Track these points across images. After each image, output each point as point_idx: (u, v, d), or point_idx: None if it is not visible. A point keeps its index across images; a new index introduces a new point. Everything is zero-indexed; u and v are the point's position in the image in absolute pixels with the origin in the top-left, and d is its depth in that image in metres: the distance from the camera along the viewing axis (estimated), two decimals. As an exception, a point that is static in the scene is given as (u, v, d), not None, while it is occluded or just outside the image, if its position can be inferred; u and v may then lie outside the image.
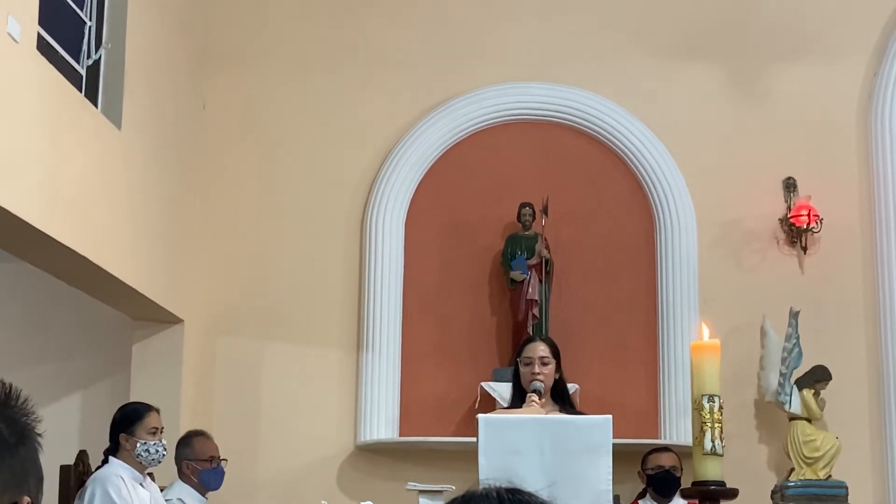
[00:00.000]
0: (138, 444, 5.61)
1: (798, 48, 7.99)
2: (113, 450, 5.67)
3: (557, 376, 5.56)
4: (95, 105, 6.51)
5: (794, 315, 7.36)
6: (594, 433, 5.03)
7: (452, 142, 8.01)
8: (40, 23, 5.68)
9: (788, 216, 7.77)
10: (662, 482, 6.91)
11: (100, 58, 6.68)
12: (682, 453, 6.83)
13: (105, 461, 5.68)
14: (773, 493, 7.28)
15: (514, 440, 5.00)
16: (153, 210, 7.06)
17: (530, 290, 7.57)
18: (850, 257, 7.79)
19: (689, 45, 8.03)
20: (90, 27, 6.66)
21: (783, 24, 8.01)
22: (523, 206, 7.75)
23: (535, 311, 7.55)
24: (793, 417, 7.35)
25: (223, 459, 6.40)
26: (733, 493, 5.21)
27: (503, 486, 1.69)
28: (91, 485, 5.54)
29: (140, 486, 5.63)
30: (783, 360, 7.35)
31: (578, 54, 8.04)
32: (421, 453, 7.54)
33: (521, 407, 5.42)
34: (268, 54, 8.09)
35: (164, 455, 5.72)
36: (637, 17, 8.06)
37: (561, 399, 5.57)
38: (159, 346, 7.57)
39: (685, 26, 8.05)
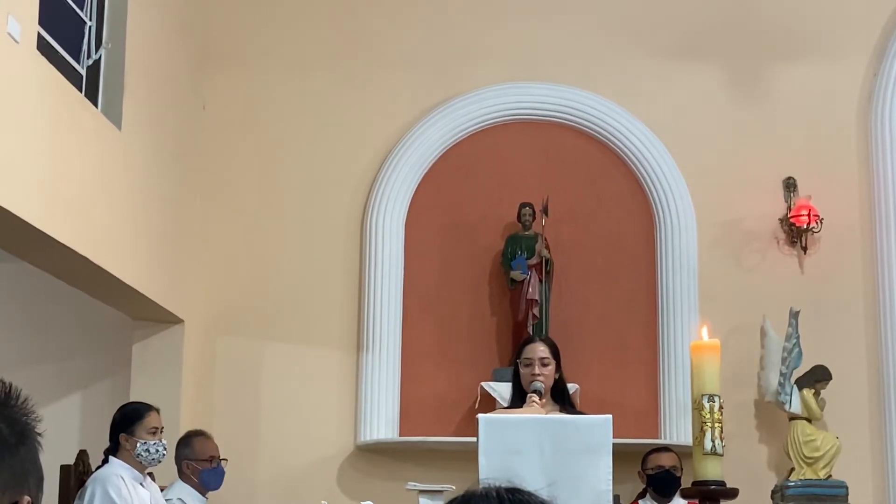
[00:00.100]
0: (138, 444, 5.61)
1: (798, 48, 7.99)
2: (113, 450, 5.68)
3: (557, 376, 5.56)
4: (95, 105, 6.51)
5: (794, 315, 7.36)
6: (594, 433, 5.03)
7: (452, 142, 8.01)
8: (40, 23, 5.68)
9: (788, 216, 7.77)
10: (662, 482, 6.91)
11: (100, 58, 6.68)
12: (682, 453, 6.83)
13: (105, 461, 5.68)
14: (773, 493, 7.28)
15: (514, 440, 5.00)
16: (153, 210, 7.06)
17: (530, 289, 7.57)
18: (850, 257, 7.78)
19: (689, 45, 8.03)
20: (90, 27, 6.66)
21: (783, 24, 8.01)
22: (523, 206, 7.75)
23: (535, 311, 7.55)
24: (793, 417, 7.35)
25: (223, 459, 6.40)
26: (733, 493, 5.21)
27: (503, 485, 1.69)
28: (91, 485, 5.55)
29: (140, 486, 5.63)
30: (783, 360, 7.35)
31: (578, 54, 8.04)
32: (421, 453, 7.54)
33: (521, 407, 5.42)
34: (268, 54, 8.09)
35: (164, 455, 5.73)
36: (637, 17, 8.06)
37: (561, 399, 5.58)
38: (159, 346, 7.57)
39: (685, 26, 8.05)
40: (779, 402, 7.34)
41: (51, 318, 8.12)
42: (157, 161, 7.17)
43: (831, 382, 7.42)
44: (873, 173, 7.80)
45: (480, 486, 1.70)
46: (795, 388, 7.35)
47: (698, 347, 5.26)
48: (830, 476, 7.27)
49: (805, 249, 7.77)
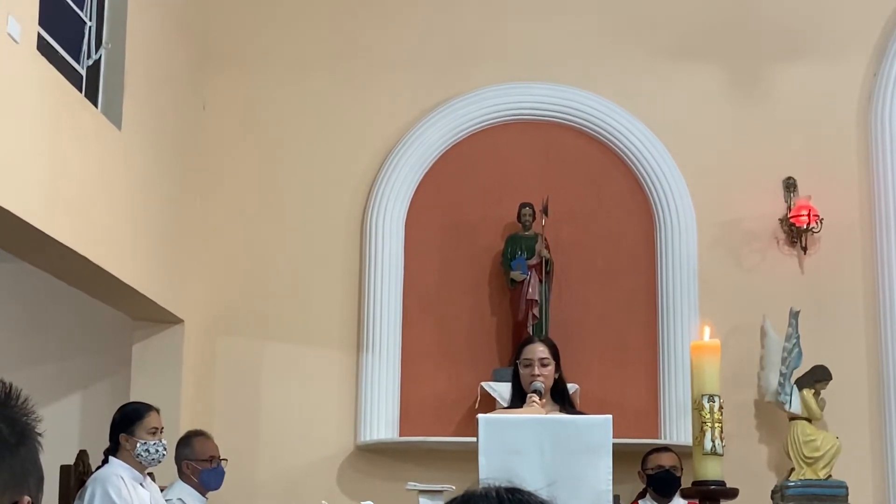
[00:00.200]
0: (138, 444, 5.61)
1: (798, 48, 7.99)
2: (113, 450, 5.67)
3: (557, 376, 5.56)
4: (95, 105, 6.51)
5: (794, 315, 7.36)
6: (594, 433, 5.03)
7: (452, 142, 8.01)
8: (40, 23, 5.68)
9: (788, 216, 7.77)
10: (662, 482, 6.91)
11: (100, 58, 6.68)
12: (682, 453, 6.83)
13: (105, 461, 5.68)
14: (773, 493, 7.28)
15: (514, 440, 5.00)
16: (153, 210, 7.06)
17: (530, 290, 7.57)
18: (850, 257, 7.78)
19: (689, 45, 8.03)
20: (90, 27, 6.66)
21: (783, 24, 8.01)
22: (523, 206, 7.75)
23: (535, 311, 7.55)
24: (793, 417, 7.35)
25: (223, 459, 6.40)
26: (733, 493, 5.22)
27: (503, 485, 1.69)
28: (91, 485, 5.55)
29: (140, 486, 5.63)
30: (783, 360, 7.35)
31: (578, 54, 8.04)
32: (421, 453, 7.54)
33: (520, 408, 5.42)
34: (268, 55, 8.09)
35: (164, 455, 5.72)
36: (637, 17, 8.06)
37: (561, 399, 5.58)
38: (159, 346, 7.57)
39: (685, 26, 8.05)
40: (779, 402, 7.34)
41: (51, 318, 8.12)
42: (157, 161, 7.17)
43: (831, 382, 7.42)
44: (873, 173, 7.80)
45: (480, 487, 1.70)
46: (795, 388, 7.35)
47: (698, 348, 5.26)
48: (830, 476, 7.27)
49: (805, 249, 7.77)
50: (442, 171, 7.98)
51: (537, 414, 5.24)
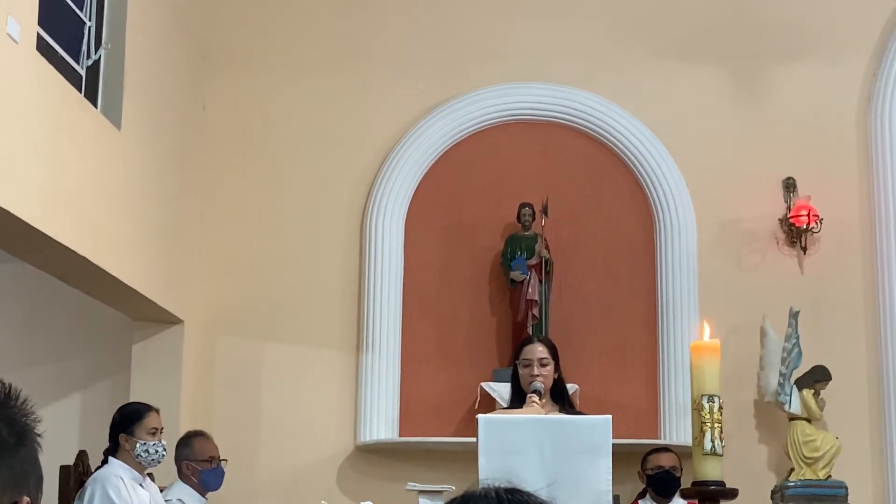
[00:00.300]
0: (138, 445, 5.61)
1: (798, 48, 7.99)
2: (112, 450, 5.67)
3: (556, 376, 5.56)
4: (95, 105, 6.51)
5: (794, 315, 7.36)
6: (594, 433, 5.03)
7: (452, 142, 8.01)
8: (40, 23, 5.68)
9: (788, 216, 7.77)
10: (662, 482, 6.91)
11: (99, 58, 6.68)
12: (682, 453, 6.82)
13: (105, 461, 5.68)
14: (773, 493, 7.28)
15: (513, 440, 5.00)
16: (153, 210, 7.06)
17: (530, 290, 7.57)
18: (850, 257, 7.78)
19: (689, 45, 8.03)
20: (90, 27, 6.66)
21: (783, 24, 8.01)
22: (523, 206, 7.75)
23: (535, 311, 7.55)
24: (793, 417, 7.35)
25: (223, 459, 6.40)
26: (733, 493, 5.21)
27: (502, 486, 1.69)
28: (91, 485, 5.54)
29: (140, 487, 5.63)
30: (783, 360, 7.35)
31: (578, 54, 8.04)
32: (421, 453, 7.54)
33: (520, 408, 5.42)
34: (268, 55, 8.08)
35: (163, 455, 5.72)
36: (637, 17, 8.06)
37: (560, 399, 5.58)
38: (159, 347, 7.57)
39: (685, 26, 8.05)
40: (778, 402, 7.34)
41: (51, 318, 8.12)
42: (157, 161, 7.17)
43: (831, 382, 7.42)
44: (873, 173, 7.80)
45: (480, 487, 1.70)
46: (795, 388, 7.35)
47: (698, 348, 5.26)
48: (830, 476, 7.26)
49: (805, 249, 7.77)
50: (442, 171, 7.98)
51: (537, 414, 5.24)
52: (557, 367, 5.56)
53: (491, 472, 4.78)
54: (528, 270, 7.60)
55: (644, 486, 7.05)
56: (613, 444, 5.04)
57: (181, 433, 6.56)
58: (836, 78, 7.93)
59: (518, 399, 5.53)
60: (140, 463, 5.64)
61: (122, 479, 5.53)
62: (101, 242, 6.22)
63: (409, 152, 7.93)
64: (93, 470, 5.82)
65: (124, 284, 6.61)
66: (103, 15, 6.72)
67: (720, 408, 5.11)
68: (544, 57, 8.04)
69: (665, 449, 7.10)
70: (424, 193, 7.96)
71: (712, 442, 5.04)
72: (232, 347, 7.83)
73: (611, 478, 4.96)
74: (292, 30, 8.10)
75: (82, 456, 6.15)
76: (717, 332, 5.60)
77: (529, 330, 7.38)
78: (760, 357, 7.52)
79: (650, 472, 6.97)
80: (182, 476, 6.29)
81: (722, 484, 5.12)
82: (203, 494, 6.29)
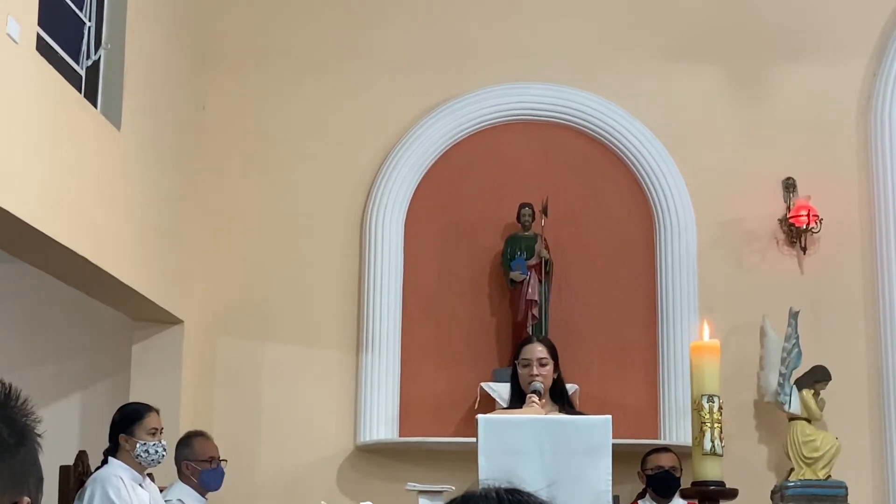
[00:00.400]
0: (138, 445, 5.61)
1: (798, 48, 7.99)
2: (112, 450, 5.67)
3: (556, 376, 5.56)
4: (95, 105, 6.51)
5: (794, 315, 7.36)
6: (594, 433, 5.03)
7: (452, 142, 8.01)
8: (40, 23, 5.68)
9: (788, 216, 7.77)
10: (662, 482, 6.91)
11: (99, 58, 6.68)
12: (682, 453, 6.82)
13: (104, 462, 5.67)
14: (773, 493, 7.28)
15: (513, 440, 5.00)
16: (153, 210, 7.06)
17: (530, 290, 7.57)
18: (850, 257, 7.78)
19: (689, 45, 8.03)
20: (90, 28, 6.66)
21: (783, 24, 8.01)
22: (523, 206, 7.75)
23: (535, 311, 7.55)
24: (792, 417, 7.35)
25: (223, 460, 6.40)
26: (733, 494, 5.21)
27: (502, 486, 1.69)
28: (90, 485, 5.54)
29: (139, 487, 5.62)
30: (783, 360, 7.35)
31: (578, 54, 8.04)
32: (421, 453, 7.54)
33: (520, 408, 5.42)
34: (268, 55, 8.09)
35: (163, 455, 5.72)
36: (637, 17, 8.06)
37: (560, 399, 5.58)
38: (159, 347, 7.57)
39: (685, 26, 8.05)
40: (778, 402, 7.34)
41: (51, 318, 8.12)
42: (157, 161, 7.17)
43: (831, 382, 7.42)
44: (873, 173, 7.80)
45: (480, 487, 1.70)
46: (795, 388, 7.35)
47: (698, 348, 5.26)
48: (830, 476, 7.27)
49: (805, 250, 7.77)
50: (442, 171, 7.98)
51: (537, 414, 5.24)
52: (557, 367, 5.56)
53: (491, 472, 4.78)
54: (527, 270, 7.60)
55: (644, 486, 7.05)
56: (613, 444, 5.04)
57: (181, 433, 6.56)
58: (836, 78, 7.93)
59: (518, 399, 5.53)
60: (140, 463, 5.63)
61: (121, 479, 5.53)
62: (100, 242, 6.22)
63: (409, 152, 7.93)
64: (93, 470, 5.82)
65: (124, 284, 6.61)
66: (103, 15, 6.72)
67: (720, 408, 5.11)
68: (544, 57, 8.04)
69: (665, 449, 7.10)
70: (424, 193, 7.96)
71: (712, 442, 5.04)
72: (232, 347, 7.83)
73: (611, 478, 4.96)
74: (292, 30, 8.11)
75: (82, 456, 6.15)
76: (716, 333, 5.61)
77: (529, 330, 7.38)
78: (760, 357, 7.53)
79: (650, 473, 6.97)
80: (182, 476, 6.29)
81: (722, 484, 5.12)
82: (203, 494, 6.29)
